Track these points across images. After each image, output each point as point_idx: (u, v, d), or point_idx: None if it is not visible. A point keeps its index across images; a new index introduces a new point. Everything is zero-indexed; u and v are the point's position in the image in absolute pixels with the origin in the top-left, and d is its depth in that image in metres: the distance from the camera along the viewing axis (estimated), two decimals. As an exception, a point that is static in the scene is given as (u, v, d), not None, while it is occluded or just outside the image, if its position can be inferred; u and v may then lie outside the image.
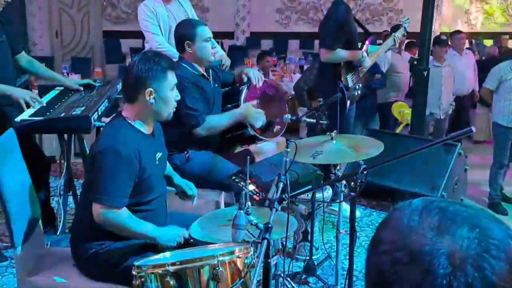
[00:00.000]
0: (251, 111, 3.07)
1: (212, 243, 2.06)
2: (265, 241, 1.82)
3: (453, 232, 0.74)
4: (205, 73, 3.11)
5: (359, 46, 4.01)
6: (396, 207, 0.82)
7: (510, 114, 4.62)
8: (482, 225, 0.76)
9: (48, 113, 2.96)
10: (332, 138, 2.57)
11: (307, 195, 2.91)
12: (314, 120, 3.20)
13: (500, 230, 0.76)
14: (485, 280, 0.71)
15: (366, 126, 5.30)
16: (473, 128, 1.92)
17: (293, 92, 6.22)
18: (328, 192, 3.29)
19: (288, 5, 10.28)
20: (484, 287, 0.71)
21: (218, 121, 3.03)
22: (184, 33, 3.07)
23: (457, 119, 6.02)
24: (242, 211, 1.99)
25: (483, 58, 8.05)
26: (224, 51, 4.97)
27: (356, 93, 3.98)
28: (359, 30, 4.15)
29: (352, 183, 2.26)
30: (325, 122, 3.21)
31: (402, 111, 5.59)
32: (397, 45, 4.74)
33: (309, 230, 3.14)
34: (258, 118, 3.08)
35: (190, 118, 2.94)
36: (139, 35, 4.01)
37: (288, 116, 3.17)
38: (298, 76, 6.90)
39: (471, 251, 0.72)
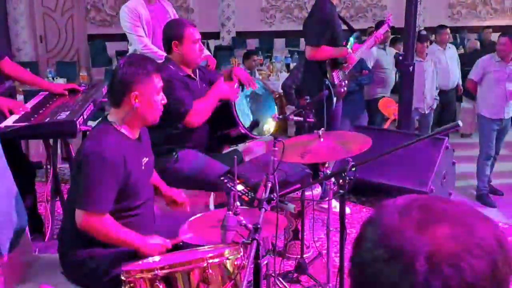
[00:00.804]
0: (225, 85, 3.05)
1: (202, 246, 2.04)
2: (255, 241, 1.81)
3: (433, 230, 0.73)
4: (191, 74, 3.09)
5: (344, 43, 4.01)
6: (380, 205, 0.82)
7: (494, 106, 4.68)
8: (465, 223, 0.75)
9: (32, 119, 2.92)
10: (319, 136, 2.56)
11: (297, 193, 2.90)
12: (301, 118, 3.21)
13: (485, 229, 0.75)
14: (463, 280, 0.70)
15: (355, 122, 5.31)
16: (460, 123, 1.92)
17: (280, 91, 6.22)
18: (318, 190, 3.29)
19: (272, 4, 10.28)
20: (463, 286, 0.70)
21: (203, 103, 2.99)
22: (172, 34, 3.04)
23: (443, 113, 6.06)
24: (231, 212, 1.98)
25: (466, 52, 8.12)
26: (210, 51, 4.94)
27: (342, 90, 3.98)
28: (344, 27, 4.16)
29: (341, 180, 2.25)
30: (313, 120, 3.21)
31: (389, 106, 5.61)
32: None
33: (300, 229, 3.14)
34: (234, 90, 3.07)
35: (178, 108, 2.90)
36: (124, 37, 3.97)
37: (275, 115, 3.16)
38: (284, 74, 6.90)
39: (450, 249, 0.71)
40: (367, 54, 5.46)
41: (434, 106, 5.70)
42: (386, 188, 4.03)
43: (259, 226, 1.87)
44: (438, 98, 5.73)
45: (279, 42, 10.11)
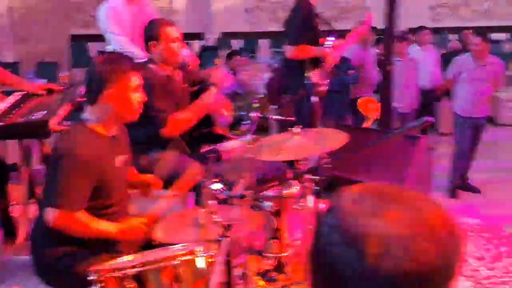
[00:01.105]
0: (215, 99, 3.03)
1: (176, 244, 2.03)
2: (227, 238, 1.81)
3: (385, 215, 0.76)
4: (172, 73, 3.08)
5: (323, 42, 4.04)
6: (339, 193, 0.85)
7: (468, 104, 4.76)
8: (417, 209, 0.78)
9: (7, 119, 2.88)
10: (296, 133, 2.57)
11: (275, 191, 2.89)
12: (281, 117, 3.21)
13: (436, 215, 0.78)
14: (412, 262, 0.72)
15: (341, 121, 5.35)
16: (430, 119, 1.94)
17: (264, 91, 6.23)
18: (297, 188, 3.28)
19: (257, 5, 10.30)
20: (412, 268, 0.72)
21: (184, 117, 2.99)
22: (150, 34, 3.04)
23: (423, 113, 6.09)
24: (205, 210, 1.98)
25: (447, 52, 8.20)
26: (195, 52, 4.94)
27: (323, 89, 4.00)
28: (325, 27, 4.18)
29: (316, 177, 2.26)
30: (292, 118, 3.23)
31: (370, 106, 5.64)
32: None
33: (278, 227, 3.13)
34: (223, 105, 3.05)
35: (157, 119, 2.91)
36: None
37: (256, 114, 3.17)
38: (268, 75, 6.91)
39: (401, 233, 0.74)
40: (352, 53, 5.51)
41: (415, 106, 5.74)
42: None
43: (231, 223, 1.87)
44: (418, 98, 5.78)
45: (263, 43, 10.13)
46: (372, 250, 0.73)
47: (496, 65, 4.81)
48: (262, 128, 5.55)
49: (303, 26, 3.89)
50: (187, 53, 3.93)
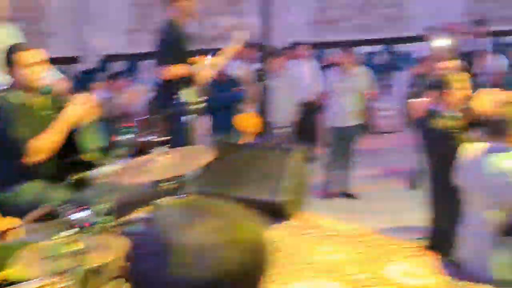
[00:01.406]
0: (74, 108, 2.90)
1: (31, 279, 1.90)
2: (82, 268, 1.74)
3: (195, 226, 0.78)
4: (32, 100, 2.93)
5: (194, 61, 4.08)
6: (157, 206, 0.88)
7: (337, 115, 5.06)
8: (228, 221, 0.81)
9: None
10: (163, 153, 2.55)
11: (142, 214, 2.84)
12: (158, 138, 3.17)
13: (245, 227, 0.82)
14: (215, 270, 0.75)
15: (227, 139, 5.38)
16: (293, 130, 2.00)
17: (145, 112, 6.13)
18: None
19: (139, 26, 10.16)
20: (214, 276, 0.75)
21: (45, 139, 2.82)
22: (6, 59, 2.90)
23: (302, 125, 6.31)
24: (62, 240, 1.88)
25: (327, 65, 8.60)
26: (72, 75, 4.78)
27: (195, 107, 4.01)
28: (199, 46, 4.23)
29: (185, 195, 2.25)
30: (166, 137, 3.20)
31: (248, 121, 5.74)
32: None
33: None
34: (85, 111, 2.94)
35: (16, 148, 2.74)
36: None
37: (135, 136, 3.10)
38: (150, 96, 6.82)
39: (207, 243, 0.76)
40: (233, 70, 5.60)
41: (293, 119, 5.92)
42: (241, 202, 4.06)
43: (89, 252, 1.80)
44: (296, 111, 5.96)
45: (146, 64, 9.99)
46: (175, 260, 0.75)
47: (363, 76, 5.14)
48: (143, 151, 5.46)
49: (171, 47, 3.94)
50: (53, 78, 3.76)
